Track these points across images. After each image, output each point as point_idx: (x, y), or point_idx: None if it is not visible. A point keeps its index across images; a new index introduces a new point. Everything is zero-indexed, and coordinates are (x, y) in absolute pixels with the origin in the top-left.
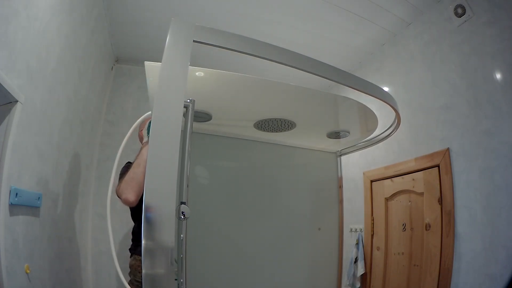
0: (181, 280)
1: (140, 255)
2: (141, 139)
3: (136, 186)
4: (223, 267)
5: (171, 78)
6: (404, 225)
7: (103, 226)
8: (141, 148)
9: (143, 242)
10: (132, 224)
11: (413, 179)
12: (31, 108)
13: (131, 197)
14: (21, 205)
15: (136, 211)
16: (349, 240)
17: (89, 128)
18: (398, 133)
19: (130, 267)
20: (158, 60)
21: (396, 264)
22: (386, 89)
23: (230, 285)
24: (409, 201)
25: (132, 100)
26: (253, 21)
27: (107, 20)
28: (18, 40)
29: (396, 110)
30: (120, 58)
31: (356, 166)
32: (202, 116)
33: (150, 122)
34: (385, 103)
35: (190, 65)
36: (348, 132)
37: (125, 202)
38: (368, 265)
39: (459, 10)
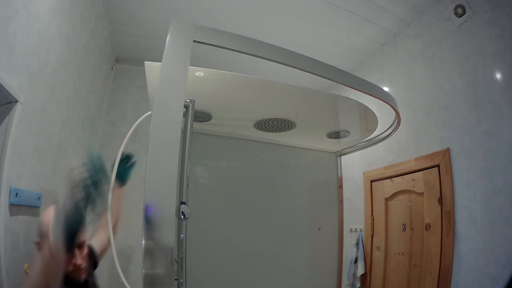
0: (181, 280)
1: None
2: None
3: None
4: (223, 267)
5: (171, 78)
6: (404, 225)
7: None
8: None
9: (143, 242)
10: None
11: (413, 179)
12: (31, 108)
13: None
14: (21, 205)
15: None
16: (349, 240)
17: (89, 128)
18: (398, 133)
19: None
20: (158, 60)
21: (396, 264)
22: (386, 89)
23: (230, 285)
24: (409, 201)
25: (132, 100)
26: (253, 21)
27: (107, 20)
28: (18, 40)
29: (396, 110)
30: (120, 58)
31: (356, 166)
32: (202, 116)
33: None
34: (385, 103)
35: (190, 65)
36: (348, 132)
37: None
38: (368, 265)
39: (459, 10)
